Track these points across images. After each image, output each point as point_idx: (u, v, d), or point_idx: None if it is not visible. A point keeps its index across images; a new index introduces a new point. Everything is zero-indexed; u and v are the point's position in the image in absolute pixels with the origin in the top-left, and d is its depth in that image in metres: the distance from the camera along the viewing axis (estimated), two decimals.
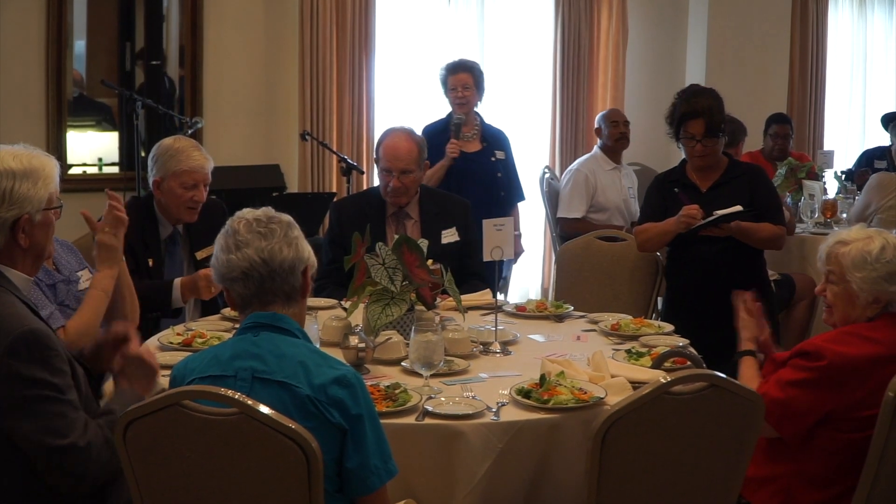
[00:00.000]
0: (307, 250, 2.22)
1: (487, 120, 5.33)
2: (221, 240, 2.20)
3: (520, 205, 5.47)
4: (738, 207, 3.82)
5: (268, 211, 2.23)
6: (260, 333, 2.14)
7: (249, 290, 2.17)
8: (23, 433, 2.16)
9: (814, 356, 2.64)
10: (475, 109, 5.25)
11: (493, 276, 3.17)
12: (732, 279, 3.88)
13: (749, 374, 2.83)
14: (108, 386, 3.19)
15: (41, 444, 2.15)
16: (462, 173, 5.04)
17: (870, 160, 6.82)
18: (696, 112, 3.92)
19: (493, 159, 5.18)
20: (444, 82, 5.18)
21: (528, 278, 6.88)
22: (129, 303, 3.20)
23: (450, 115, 5.18)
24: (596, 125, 5.85)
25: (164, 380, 2.66)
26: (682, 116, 3.96)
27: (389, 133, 3.97)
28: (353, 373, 2.12)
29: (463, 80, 5.12)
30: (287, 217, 2.23)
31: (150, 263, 3.69)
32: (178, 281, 3.59)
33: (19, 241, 2.32)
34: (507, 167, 5.27)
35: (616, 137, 5.70)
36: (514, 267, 5.83)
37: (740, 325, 3.02)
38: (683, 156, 4.07)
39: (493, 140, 5.25)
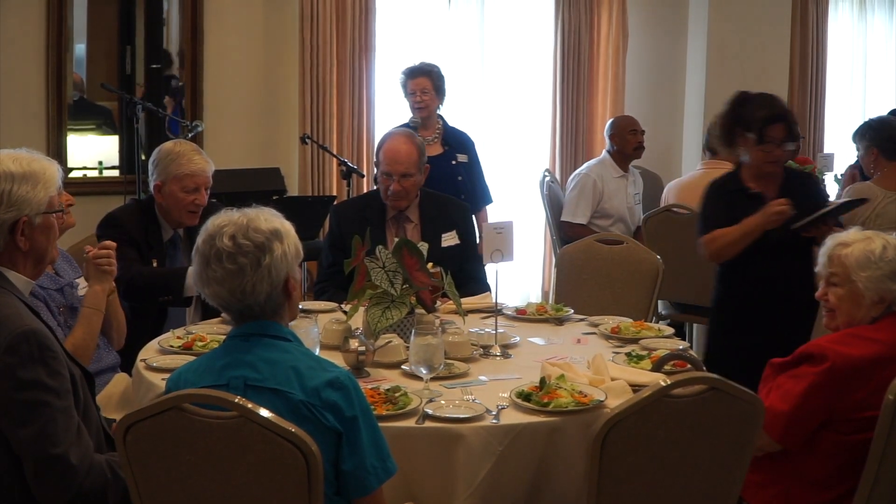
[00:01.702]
0: (286, 262, 2.11)
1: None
2: (197, 258, 2.13)
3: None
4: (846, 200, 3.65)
5: (238, 233, 2.09)
6: (250, 340, 2.13)
7: (231, 315, 2.17)
8: (14, 435, 2.15)
9: (818, 359, 2.64)
10: (438, 113, 5.21)
11: (494, 279, 3.16)
12: (800, 291, 3.66)
13: None
14: (109, 387, 3.21)
15: (31, 449, 2.14)
16: None
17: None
18: (779, 115, 3.78)
19: (454, 163, 5.12)
20: (404, 86, 5.15)
21: (528, 281, 6.88)
22: (116, 329, 3.21)
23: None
24: (610, 131, 5.66)
25: (160, 379, 2.67)
26: (764, 120, 3.76)
27: (389, 136, 3.96)
28: (346, 374, 2.11)
29: (421, 84, 5.07)
30: (261, 236, 2.09)
31: (154, 265, 3.70)
32: (192, 269, 3.59)
33: (19, 244, 2.32)
34: (471, 170, 5.21)
35: (635, 146, 5.58)
36: (512, 271, 5.79)
37: None
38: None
39: (456, 143, 5.20)
